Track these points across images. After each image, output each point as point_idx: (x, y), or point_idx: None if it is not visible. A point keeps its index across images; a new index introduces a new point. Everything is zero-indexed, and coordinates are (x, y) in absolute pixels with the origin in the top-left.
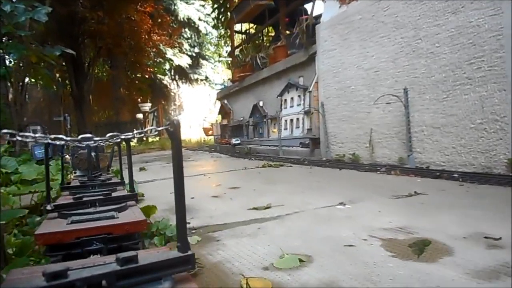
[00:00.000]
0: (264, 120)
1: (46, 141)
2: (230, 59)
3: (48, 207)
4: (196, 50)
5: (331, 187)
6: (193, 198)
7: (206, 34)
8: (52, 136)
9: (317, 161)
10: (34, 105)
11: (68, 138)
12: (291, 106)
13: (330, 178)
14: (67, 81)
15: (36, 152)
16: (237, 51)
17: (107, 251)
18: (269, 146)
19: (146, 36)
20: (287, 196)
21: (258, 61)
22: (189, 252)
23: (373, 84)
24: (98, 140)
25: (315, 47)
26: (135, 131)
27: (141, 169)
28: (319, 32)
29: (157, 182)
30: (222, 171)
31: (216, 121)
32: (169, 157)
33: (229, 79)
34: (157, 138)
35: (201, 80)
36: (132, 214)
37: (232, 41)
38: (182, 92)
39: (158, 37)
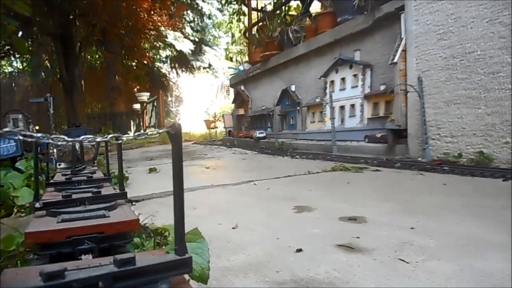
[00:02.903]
0: (298, 108)
1: (48, 141)
2: (243, 42)
3: (37, 205)
4: (199, 35)
5: None
6: (300, 250)
7: (210, 17)
8: (53, 136)
9: (413, 162)
10: (22, 94)
11: (69, 139)
12: (342, 89)
13: None
14: (57, 69)
15: None
16: (253, 31)
17: (98, 251)
18: (311, 140)
19: (146, 16)
20: None
21: (290, 36)
22: (187, 255)
23: None
24: (100, 141)
25: (386, 8)
26: (135, 133)
27: (151, 170)
28: None
29: (187, 194)
30: (274, 177)
31: (232, 111)
32: None
33: (245, 62)
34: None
35: (204, 68)
36: (123, 213)
37: (250, 17)
38: (182, 81)
39: (159, 17)
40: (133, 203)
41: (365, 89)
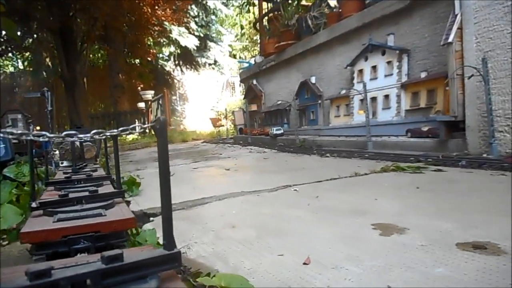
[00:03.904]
0: (319, 101)
1: (29, 138)
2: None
3: (33, 205)
4: (204, 30)
5: None
6: None
7: (214, 12)
8: (34, 132)
9: (480, 160)
10: (23, 94)
11: (52, 135)
12: (373, 79)
13: None
14: (59, 67)
15: None
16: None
17: (94, 250)
18: (338, 136)
19: (150, 10)
20: None
21: (310, 23)
22: (175, 250)
23: None
24: (82, 137)
25: None
26: (120, 129)
27: None
28: None
29: (216, 205)
30: (315, 180)
31: (239, 107)
32: (187, 153)
33: (256, 55)
34: None
35: (209, 64)
36: (119, 212)
37: (260, 6)
38: (186, 79)
39: (163, 12)
40: (151, 218)
41: (402, 77)
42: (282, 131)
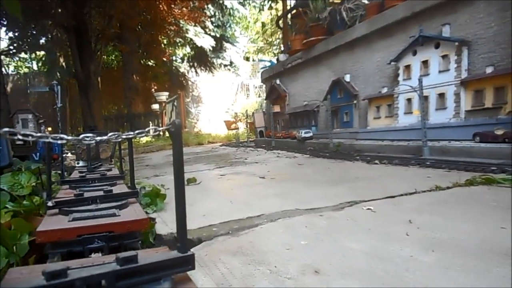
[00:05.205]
0: (354, 102)
1: (47, 140)
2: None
3: (49, 204)
4: (220, 31)
5: None
6: None
7: (231, 13)
8: (53, 135)
9: None
10: (37, 95)
11: (70, 137)
12: (424, 75)
13: None
14: (73, 68)
15: None
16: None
17: (108, 249)
18: (381, 140)
19: (166, 9)
20: None
21: (344, 16)
22: (189, 253)
23: None
24: (99, 140)
25: None
26: (136, 131)
27: (190, 180)
28: None
29: (271, 229)
30: (386, 196)
31: (256, 109)
32: (207, 157)
33: (279, 53)
34: None
35: (225, 65)
36: (133, 212)
37: (284, 2)
38: (200, 81)
39: (179, 11)
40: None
41: (462, 73)
42: (311, 134)
